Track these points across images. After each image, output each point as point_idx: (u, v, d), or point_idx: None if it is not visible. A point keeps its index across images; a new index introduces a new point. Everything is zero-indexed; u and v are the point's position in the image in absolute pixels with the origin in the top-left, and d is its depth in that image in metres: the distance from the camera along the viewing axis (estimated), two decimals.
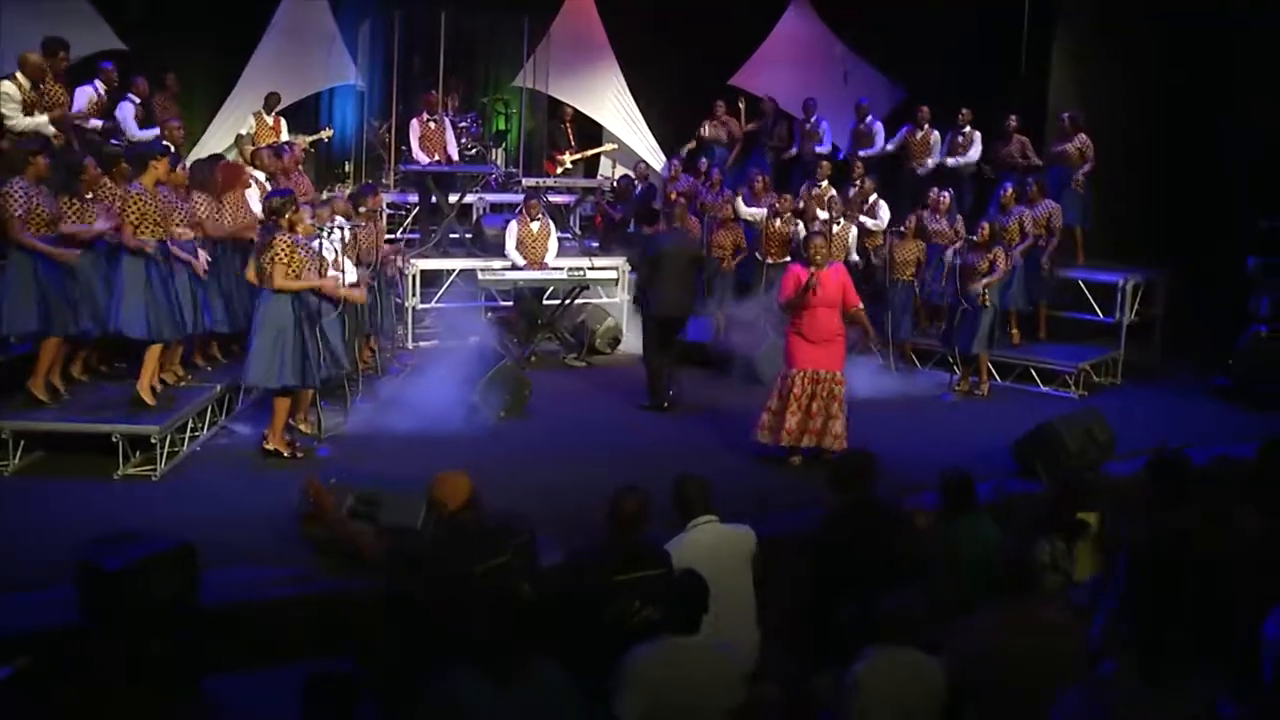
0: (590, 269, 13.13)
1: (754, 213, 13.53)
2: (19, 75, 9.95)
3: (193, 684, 5.80)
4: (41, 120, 9.90)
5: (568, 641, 4.85)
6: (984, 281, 11.58)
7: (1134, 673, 4.13)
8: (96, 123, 11.31)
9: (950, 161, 14.61)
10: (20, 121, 9.82)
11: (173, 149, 9.99)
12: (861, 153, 15.02)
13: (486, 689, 4.08)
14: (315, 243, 9.01)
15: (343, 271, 9.57)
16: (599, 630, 5.07)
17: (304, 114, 15.22)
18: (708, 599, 4.79)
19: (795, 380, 9.25)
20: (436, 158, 13.97)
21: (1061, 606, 5.33)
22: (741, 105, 16.14)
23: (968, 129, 14.56)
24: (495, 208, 14.81)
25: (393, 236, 13.49)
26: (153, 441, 8.46)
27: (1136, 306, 13.12)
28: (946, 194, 13.12)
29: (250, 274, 8.85)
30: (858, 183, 13.97)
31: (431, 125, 14.11)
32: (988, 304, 11.64)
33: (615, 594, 5.12)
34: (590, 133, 16.95)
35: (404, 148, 14.48)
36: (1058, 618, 5.06)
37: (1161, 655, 4.14)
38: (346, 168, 15.47)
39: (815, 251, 9.33)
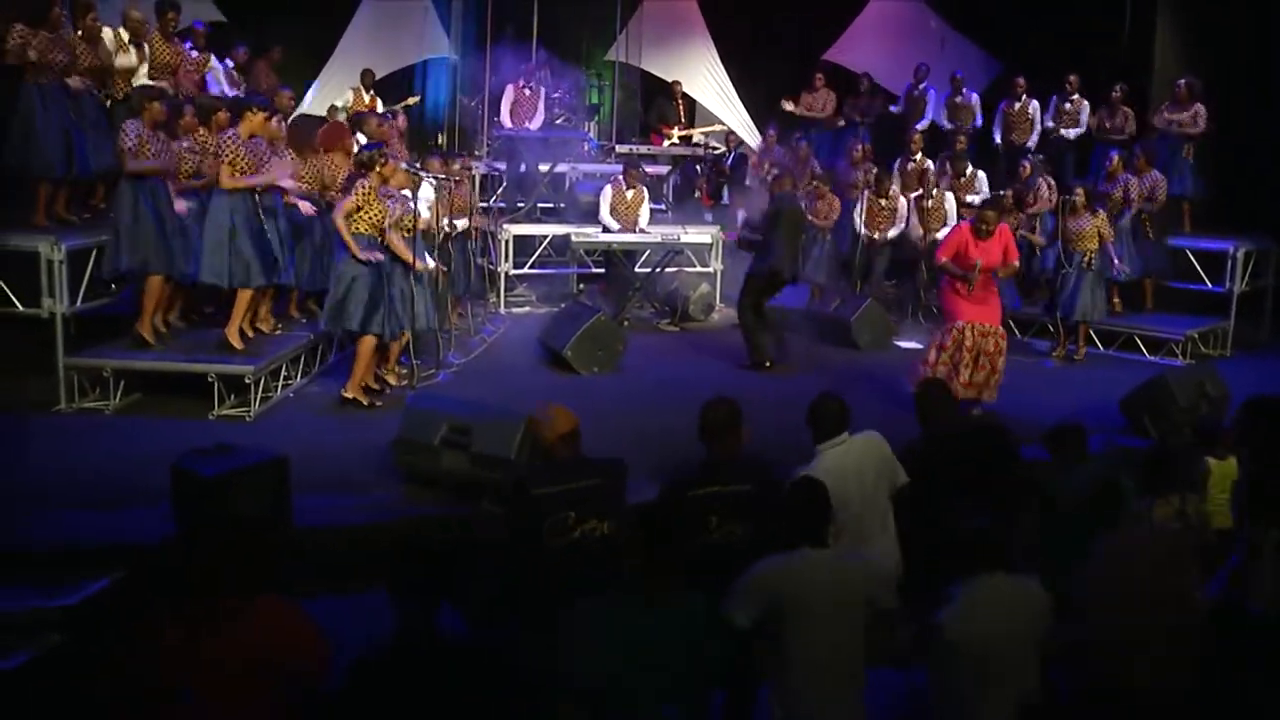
0: (684, 235, 13.00)
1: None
2: (120, 31, 10.13)
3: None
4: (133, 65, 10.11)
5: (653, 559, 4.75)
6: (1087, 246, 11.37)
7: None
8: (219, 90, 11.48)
9: (1062, 132, 14.23)
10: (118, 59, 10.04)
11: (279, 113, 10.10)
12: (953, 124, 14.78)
13: (629, 612, 4.01)
14: (406, 197, 9.07)
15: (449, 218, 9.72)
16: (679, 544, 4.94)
17: (397, 86, 15.31)
18: (828, 510, 4.57)
19: (966, 333, 9.18)
20: (527, 125, 13.96)
21: (1175, 542, 5.08)
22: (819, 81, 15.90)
23: (1076, 97, 14.17)
24: (588, 177, 14.73)
25: (485, 205, 13.49)
26: (247, 382, 8.52)
27: (1248, 276, 12.67)
28: (1026, 162, 12.78)
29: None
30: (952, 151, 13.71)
31: (526, 92, 14.11)
32: (1092, 267, 11.33)
33: (692, 507, 4.96)
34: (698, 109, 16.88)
35: (495, 118, 14.52)
36: (1167, 549, 4.81)
37: None
38: (440, 139, 15.50)
39: (985, 223, 9.23)
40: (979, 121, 14.94)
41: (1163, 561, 4.63)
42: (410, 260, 8.97)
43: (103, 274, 8.81)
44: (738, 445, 5.23)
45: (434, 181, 10.09)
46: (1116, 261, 11.89)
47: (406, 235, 9.03)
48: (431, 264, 9.47)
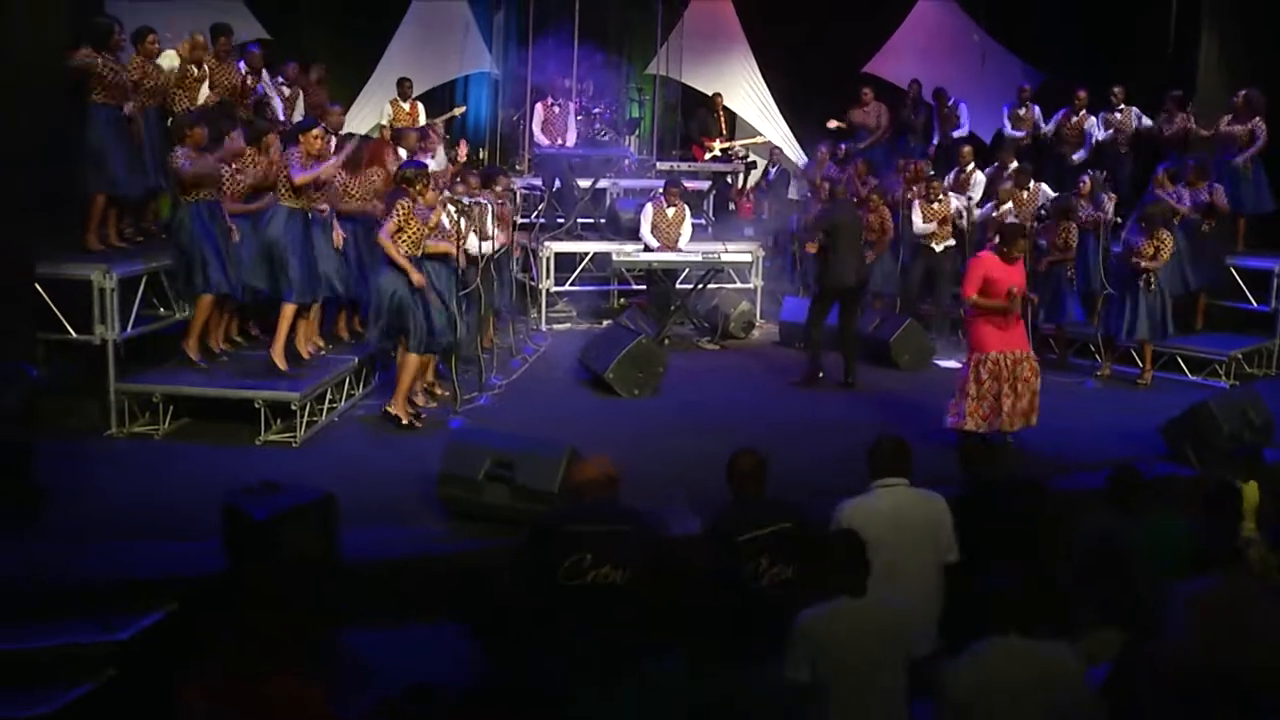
0: (724, 252, 13.02)
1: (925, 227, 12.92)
2: (179, 50, 10.31)
3: (331, 632, 5.88)
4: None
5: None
6: (1146, 266, 11.18)
7: None
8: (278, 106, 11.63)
9: (1102, 136, 14.11)
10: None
11: (332, 134, 10.25)
12: (1015, 132, 14.72)
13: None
14: (433, 213, 9.12)
15: (464, 240, 9.68)
16: (737, 592, 5.02)
17: (440, 100, 15.40)
18: (864, 558, 4.64)
19: (1000, 364, 8.93)
20: (559, 141, 14.05)
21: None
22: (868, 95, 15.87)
23: (1123, 107, 14.04)
24: (629, 192, 14.78)
25: (526, 220, 13.54)
26: (293, 408, 8.64)
27: None
28: (1086, 177, 12.60)
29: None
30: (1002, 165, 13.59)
31: (555, 110, 14.21)
32: (1154, 288, 11.25)
33: (743, 554, 5.13)
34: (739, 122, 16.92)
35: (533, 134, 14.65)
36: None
37: None
38: (481, 154, 15.60)
39: (1018, 251, 9.04)
40: (1043, 128, 14.76)
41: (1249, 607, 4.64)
42: (452, 254, 9.30)
43: (179, 294, 9.14)
44: (762, 489, 5.48)
45: (478, 202, 10.11)
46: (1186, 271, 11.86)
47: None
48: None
